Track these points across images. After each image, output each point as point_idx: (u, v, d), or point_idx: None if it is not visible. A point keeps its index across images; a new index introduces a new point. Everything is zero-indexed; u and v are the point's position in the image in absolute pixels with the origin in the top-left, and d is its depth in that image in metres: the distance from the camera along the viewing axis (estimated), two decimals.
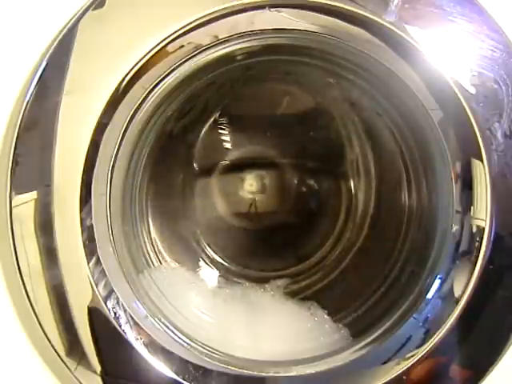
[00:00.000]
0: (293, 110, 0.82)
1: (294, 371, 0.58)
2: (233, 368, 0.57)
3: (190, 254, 0.81)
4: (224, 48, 0.57)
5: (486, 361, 0.57)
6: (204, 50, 0.56)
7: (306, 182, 0.85)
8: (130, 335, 0.55)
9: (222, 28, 0.55)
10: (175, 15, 0.54)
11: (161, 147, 0.75)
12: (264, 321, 0.69)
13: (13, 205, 0.53)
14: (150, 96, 0.56)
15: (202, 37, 0.55)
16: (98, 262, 0.54)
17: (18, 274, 0.53)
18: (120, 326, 0.54)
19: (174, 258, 0.76)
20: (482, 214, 0.56)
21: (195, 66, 0.57)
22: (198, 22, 0.54)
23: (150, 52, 0.53)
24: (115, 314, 0.54)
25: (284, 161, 0.84)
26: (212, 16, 0.54)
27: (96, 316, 0.54)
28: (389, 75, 0.58)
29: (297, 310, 0.71)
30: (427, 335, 0.57)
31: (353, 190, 0.83)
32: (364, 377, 0.57)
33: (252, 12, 0.55)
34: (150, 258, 0.74)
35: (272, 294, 0.75)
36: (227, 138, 0.83)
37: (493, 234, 0.56)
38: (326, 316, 0.69)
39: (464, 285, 0.56)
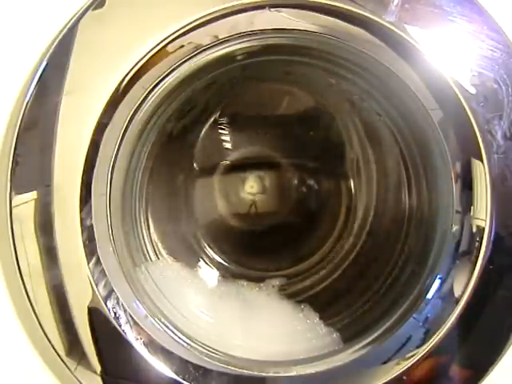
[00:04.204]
0: (293, 110, 0.82)
1: (294, 371, 0.58)
2: (233, 368, 0.57)
3: (190, 254, 0.80)
4: (224, 48, 0.57)
5: (486, 361, 0.57)
6: (204, 49, 0.56)
7: (306, 183, 0.85)
8: (130, 335, 0.55)
9: (222, 28, 0.55)
10: (175, 15, 0.54)
11: (161, 147, 0.75)
12: (258, 318, 0.69)
13: (13, 205, 0.53)
14: (150, 96, 0.56)
15: (201, 37, 0.55)
16: (98, 261, 0.54)
17: (18, 274, 0.53)
18: (120, 326, 0.54)
19: (173, 257, 0.76)
20: (482, 213, 0.56)
21: (195, 65, 0.57)
22: (198, 22, 0.54)
23: (150, 52, 0.53)
24: (115, 313, 0.54)
25: (284, 161, 0.84)
26: (212, 16, 0.54)
27: (96, 316, 0.54)
28: (389, 75, 0.58)
29: (290, 311, 0.71)
30: (427, 335, 0.57)
31: (353, 190, 0.83)
32: (364, 377, 0.57)
33: (252, 12, 0.55)
34: (150, 257, 0.74)
35: (267, 293, 0.75)
36: (227, 138, 0.83)
37: (493, 234, 0.56)
38: (317, 319, 0.68)
39: (464, 285, 0.56)
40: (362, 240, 0.81)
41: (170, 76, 0.56)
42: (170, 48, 0.54)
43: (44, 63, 0.53)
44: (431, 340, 0.56)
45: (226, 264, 0.82)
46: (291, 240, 0.84)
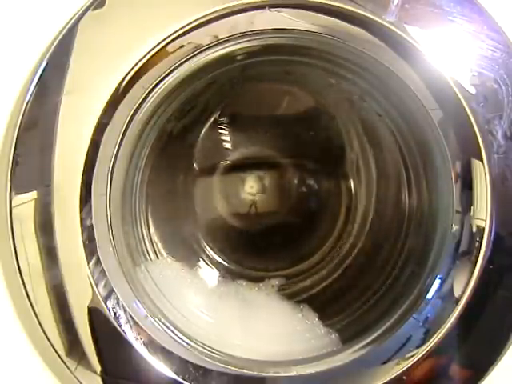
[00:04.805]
0: (293, 110, 0.82)
1: (294, 371, 0.58)
2: (233, 368, 0.57)
3: (190, 254, 0.81)
4: (224, 48, 0.57)
5: (486, 361, 0.57)
6: (204, 49, 0.56)
7: (306, 182, 0.85)
8: (130, 335, 0.55)
9: (222, 28, 0.55)
10: (175, 15, 0.54)
11: (161, 147, 0.75)
12: (258, 318, 0.69)
13: (13, 205, 0.53)
14: (150, 96, 0.56)
15: (202, 37, 0.55)
16: (98, 261, 0.54)
17: (18, 274, 0.53)
18: (120, 326, 0.54)
19: (173, 257, 0.76)
20: (482, 213, 0.56)
21: (195, 65, 0.57)
22: (198, 22, 0.54)
23: (150, 52, 0.53)
24: (115, 314, 0.54)
25: (284, 161, 0.84)
26: (212, 16, 0.54)
27: (96, 316, 0.54)
28: (389, 75, 0.58)
29: (289, 312, 0.71)
30: (427, 335, 0.57)
31: (353, 190, 0.83)
32: (364, 377, 0.57)
33: (252, 12, 0.55)
34: (150, 256, 0.74)
35: (266, 293, 0.75)
36: (227, 138, 0.83)
37: (493, 234, 0.56)
38: (316, 320, 0.68)
39: (464, 285, 0.56)
40: (361, 240, 0.81)
41: (170, 76, 0.56)
42: (170, 48, 0.54)
43: (44, 63, 0.53)
44: (431, 340, 0.56)
45: (225, 264, 0.82)
46: (291, 240, 0.84)
